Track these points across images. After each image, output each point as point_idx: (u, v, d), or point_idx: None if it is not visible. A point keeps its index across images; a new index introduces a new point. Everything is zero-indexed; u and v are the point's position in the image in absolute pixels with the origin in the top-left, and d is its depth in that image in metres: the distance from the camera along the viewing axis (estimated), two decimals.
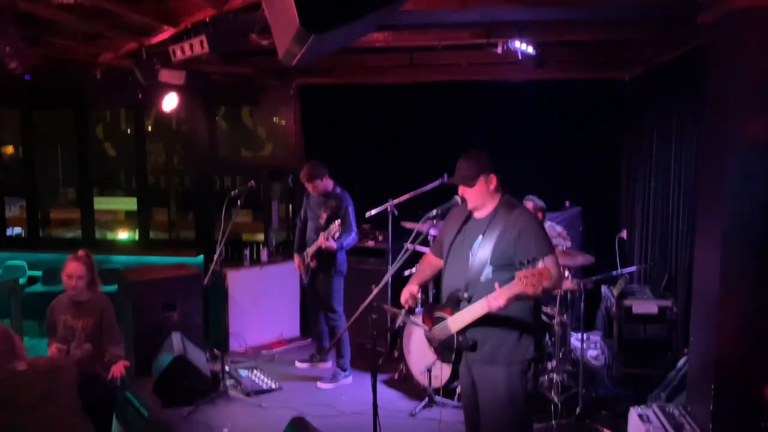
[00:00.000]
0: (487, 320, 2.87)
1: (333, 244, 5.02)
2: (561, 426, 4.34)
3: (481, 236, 2.98)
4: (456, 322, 2.98)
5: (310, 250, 5.24)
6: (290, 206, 7.32)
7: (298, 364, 5.73)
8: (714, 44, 3.59)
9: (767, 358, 3.38)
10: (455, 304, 3.01)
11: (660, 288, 5.11)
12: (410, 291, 3.19)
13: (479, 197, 3.01)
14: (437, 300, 5.27)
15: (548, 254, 2.88)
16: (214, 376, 4.98)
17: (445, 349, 3.10)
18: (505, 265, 2.90)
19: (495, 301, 2.72)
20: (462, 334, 2.99)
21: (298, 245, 5.53)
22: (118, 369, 3.81)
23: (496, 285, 2.75)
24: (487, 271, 2.92)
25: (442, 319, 3.06)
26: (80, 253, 4.05)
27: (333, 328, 5.42)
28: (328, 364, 5.64)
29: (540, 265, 2.79)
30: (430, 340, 3.21)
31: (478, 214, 3.06)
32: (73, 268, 3.96)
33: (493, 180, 3.00)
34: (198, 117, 7.21)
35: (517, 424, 3.00)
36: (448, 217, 3.28)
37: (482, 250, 2.95)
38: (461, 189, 3.05)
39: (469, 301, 2.93)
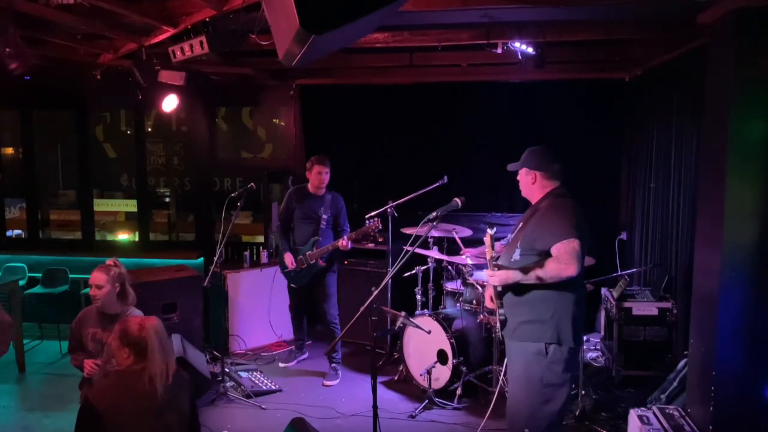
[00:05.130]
0: (511, 296, 3.21)
1: (350, 245, 5.21)
2: (561, 427, 4.33)
3: (522, 223, 3.31)
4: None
5: (318, 251, 5.24)
6: None
7: (281, 364, 5.76)
8: (714, 44, 3.59)
9: (767, 359, 3.38)
10: None
11: (660, 290, 5.10)
12: (490, 294, 3.37)
13: (522, 185, 3.37)
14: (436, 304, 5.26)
15: (560, 240, 3.02)
16: (214, 377, 4.98)
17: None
18: (528, 249, 3.16)
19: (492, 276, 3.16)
20: (500, 309, 3.25)
21: (293, 245, 5.41)
22: None
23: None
24: (516, 255, 3.21)
25: None
26: (108, 261, 3.82)
27: (333, 330, 5.42)
28: (305, 355, 5.83)
29: (554, 247, 3.04)
30: None
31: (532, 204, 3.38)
32: (94, 277, 3.71)
33: (536, 176, 3.27)
34: (198, 118, 7.21)
35: (527, 406, 3.13)
36: None
37: (516, 236, 3.28)
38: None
39: None
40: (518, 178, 3.38)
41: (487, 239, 3.14)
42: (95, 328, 3.73)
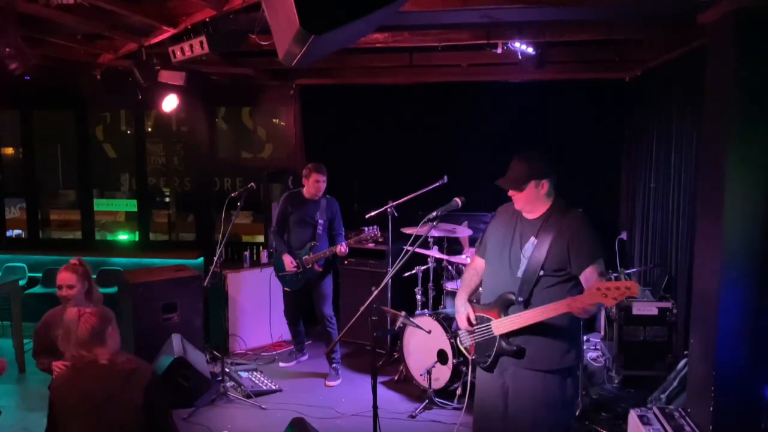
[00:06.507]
0: (531, 325, 2.83)
1: (347, 250, 5.19)
2: None
3: (533, 238, 2.90)
4: (503, 325, 2.92)
5: (315, 256, 5.23)
6: None
7: (281, 364, 5.78)
8: (714, 44, 3.59)
9: (767, 359, 3.38)
10: (504, 306, 2.94)
11: (660, 290, 5.11)
12: (467, 315, 3.07)
13: (527, 201, 2.94)
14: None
15: (591, 263, 2.80)
16: (214, 377, 4.98)
17: (481, 350, 3.05)
18: (556, 270, 2.84)
19: (575, 302, 2.67)
20: (506, 339, 2.94)
21: (288, 248, 5.36)
22: None
23: (567, 298, 2.72)
24: (540, 275, 2.86)
25: (487, 320, 3.00)
26: (72, 261, 3.84)
27: (329, 331, 5.43)
28: (305, 356, 5.87)
29: (588, 270, 2.78)
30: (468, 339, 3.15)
31: (530, 216, 2.98)
32: (62, 277, 3.71)
33: (545, 186, 2.90)
34: (198, 118, 7.21)
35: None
36: (497, 216, 3.17)
37: (536, 253, 2.87)
38: (510, 190, 2.97)
39: (526, 305, 2.86)
40: (518, 192, 2.93)
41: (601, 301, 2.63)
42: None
